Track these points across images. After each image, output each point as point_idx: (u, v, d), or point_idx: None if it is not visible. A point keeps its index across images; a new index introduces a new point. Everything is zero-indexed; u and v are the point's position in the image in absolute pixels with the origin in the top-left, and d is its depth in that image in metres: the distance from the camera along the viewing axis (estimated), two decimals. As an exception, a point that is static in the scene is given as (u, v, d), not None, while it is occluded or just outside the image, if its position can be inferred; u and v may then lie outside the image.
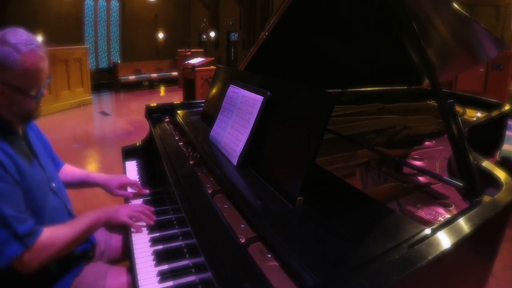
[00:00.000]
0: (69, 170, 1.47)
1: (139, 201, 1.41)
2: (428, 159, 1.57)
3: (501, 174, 1.16)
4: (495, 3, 8.37)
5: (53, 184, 1.17)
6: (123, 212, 1.18)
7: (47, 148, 1.29)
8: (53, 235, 1.02)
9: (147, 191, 1.46)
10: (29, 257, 0.96)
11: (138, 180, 1.64)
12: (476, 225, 0.86)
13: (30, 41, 0.97)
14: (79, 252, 1.21)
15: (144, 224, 1.21)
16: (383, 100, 2.41)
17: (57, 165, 1.41)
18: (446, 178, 1.16)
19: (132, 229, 1.20)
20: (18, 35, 0.97)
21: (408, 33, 1.15)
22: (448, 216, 1.09)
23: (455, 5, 1.23)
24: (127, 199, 1.44)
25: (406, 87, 2.44)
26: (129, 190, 1.47)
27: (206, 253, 0.81)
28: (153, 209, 1.27)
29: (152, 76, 10.79)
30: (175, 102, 2.12)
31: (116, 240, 1.39)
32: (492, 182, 1.14)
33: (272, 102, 1.16)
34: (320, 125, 0.92)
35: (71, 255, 1.16)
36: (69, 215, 1.23)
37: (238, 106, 1.30)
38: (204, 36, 13.84)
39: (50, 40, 10.44)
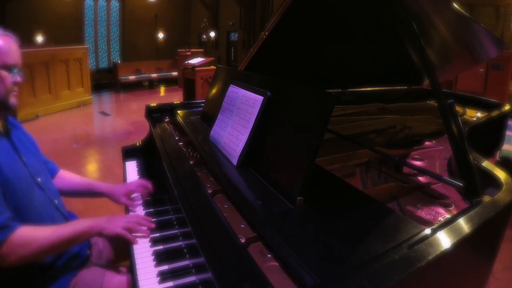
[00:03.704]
0: (68, 178, 1.42)
1: (140, 209, 1.35)
2: (428, 159, 1.57)
3: (501, 174, 1.16)
4: (495, 3, 8.37)
5: (39, 179, 1.16)
6: (117, 224, 1.12)
7: (32, 148, 1.26)
8: (33, 233, 1.00)
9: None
10: (6, 250, 0.95)
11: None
12: (476, 225, 0.86)
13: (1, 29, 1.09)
14: (76, 252, 1.20)
15: (140, 235, 1.14)
16: (383, 100, 2.41)
17: (52, 170, 1.38)
18: (446, 178, 1.16)
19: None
20: None
21: (408, 33, 1.15)
22: (448, 216, 1.09)
23: (455, 5, 1.23)
24: (128, 208, 1.38)
25: (406, 87, 2.44)
26: (135, 195, 1.42)
27: (206, 253, 0.81)
28: (149, 219, 1.20)
29: (152, 76, 10.78)
30: (175, 102, 2.12)
31: (115, 239, 1.37)
32: (492, 182, 1.14)
33: (272, 102, 1.16)
34: (320, 125, 0.92)
35: (68, 254, 1.16)
36: (57, 210, 1.21)
37: (238, 106, 1.30)
38: (204, 36, 13.81)
39: (50, 40, 10.45)
